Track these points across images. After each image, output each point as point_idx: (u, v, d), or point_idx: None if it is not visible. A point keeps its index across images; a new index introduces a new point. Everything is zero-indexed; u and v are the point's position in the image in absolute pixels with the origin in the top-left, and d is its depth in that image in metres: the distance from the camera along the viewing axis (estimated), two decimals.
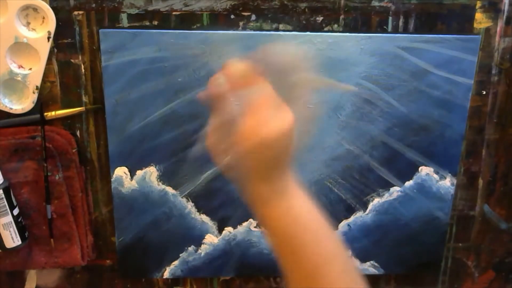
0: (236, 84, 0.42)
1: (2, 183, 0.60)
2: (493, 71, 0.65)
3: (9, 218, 0.61)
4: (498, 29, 0.63)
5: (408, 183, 0.67)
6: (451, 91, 0.63)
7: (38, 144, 0.61)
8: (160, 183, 0.64)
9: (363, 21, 0.61)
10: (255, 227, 0.67)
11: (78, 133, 0.63)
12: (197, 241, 0.67)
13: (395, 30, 0.62)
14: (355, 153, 0.65)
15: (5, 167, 0.61)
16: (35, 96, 0.60)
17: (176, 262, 0.68)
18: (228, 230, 0.67)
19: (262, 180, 0.43)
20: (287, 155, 0.44)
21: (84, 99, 0.62)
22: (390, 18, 0.62)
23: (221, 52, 0.60)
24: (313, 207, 0.44)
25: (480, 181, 0.70)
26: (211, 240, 0.67)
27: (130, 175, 0.64)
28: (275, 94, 0.43)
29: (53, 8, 0.57)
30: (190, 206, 0.66)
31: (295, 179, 0.44)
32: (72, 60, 0.60)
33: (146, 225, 0.66)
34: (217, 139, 0.43)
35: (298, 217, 0.43)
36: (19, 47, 0.58)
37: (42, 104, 0.61)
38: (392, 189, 0.67)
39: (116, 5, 0.59)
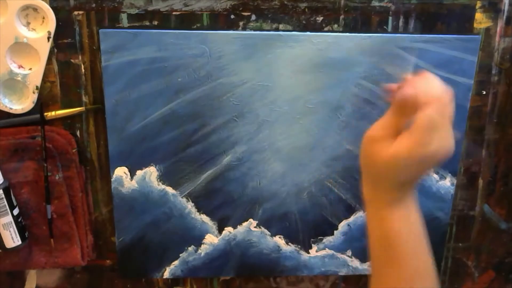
0: (427, 96, 0.43)
1: (2, 183, 0.60)
2: (493, 71, 0.65)
3: (9, 218, 0.61)
4: (498, 29, 0.63)
5: None
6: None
7: (38, 144, 0.61)
8: (160, 183, 0.64)
9: (363, 21, 0.61)
10: (255, 227, 0.67)
11: (78, 133, 0.63)
12: (197, 241, 0.67)
13: (395, 30, 0.62)
14: (355, 153, 0.65)
15: (5, 167, 0.61)
16: (35, 96, 0.60)
17: (176, 262, 0.68)
18: (228, 230, 0.67)
19: (398, 186, 0.45)
20: (429, 170, 0.47)
21: (84, 99, 0.62)
22: (390, 18, 0.62)
23: (221, 52, 0.60)
24: (421, 222, 0.47)
25: (480, 181, 0.70)
26: (211, 240, 0.67)
27: (130, 175, 0.64)
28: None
29: (53, 8, 0.57)
30: (190, 206, 0.66)
31: (414, 193, 0.47)
32: (72, 60, 0.60)
33: (146, 225, 0.66)
34: (383, 133, 0.45)
35: (412, 227, 0.46)
36: (19, 47, 0.58)
37: (42, 104, 0.61)
38: None
39: (116, 5, 0.59)
